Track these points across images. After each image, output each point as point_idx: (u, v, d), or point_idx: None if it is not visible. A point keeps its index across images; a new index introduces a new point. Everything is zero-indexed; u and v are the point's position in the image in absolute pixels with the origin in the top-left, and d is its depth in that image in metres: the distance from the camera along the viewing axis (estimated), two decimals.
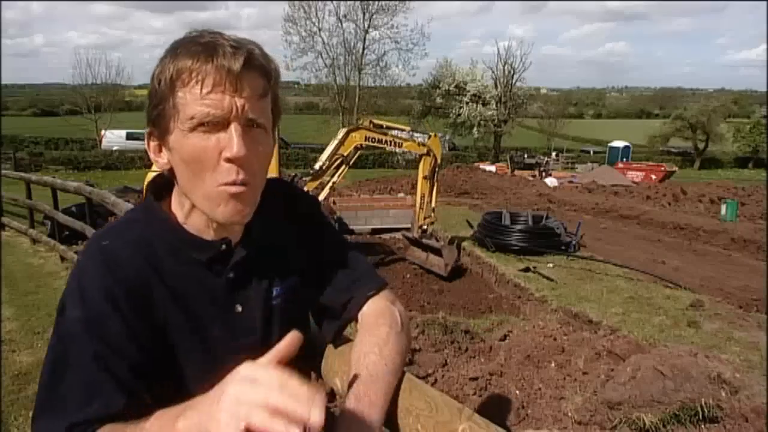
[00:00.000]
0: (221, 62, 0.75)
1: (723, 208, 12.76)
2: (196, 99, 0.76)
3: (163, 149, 0.82)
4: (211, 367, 0.79)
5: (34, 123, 50.67)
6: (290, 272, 0.95)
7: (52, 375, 0.76)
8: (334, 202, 11.86)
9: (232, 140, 0.76)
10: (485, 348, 4.23)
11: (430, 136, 7.84)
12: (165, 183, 0.88)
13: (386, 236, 10.99)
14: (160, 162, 0.83)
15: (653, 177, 26.12)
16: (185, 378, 0.83)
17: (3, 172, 10.28)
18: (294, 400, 0.58)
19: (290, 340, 0.67)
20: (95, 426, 0.73)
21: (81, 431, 0.72)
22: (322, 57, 35.55)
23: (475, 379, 3.60)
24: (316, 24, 34.79)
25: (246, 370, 0.62)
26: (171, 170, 0.83)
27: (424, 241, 8.15)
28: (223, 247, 0.86)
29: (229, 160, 0.77)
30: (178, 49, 0.78)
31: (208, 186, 0.78)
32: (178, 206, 0.87)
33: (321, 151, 7.80)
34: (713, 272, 8.09)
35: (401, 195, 13.90)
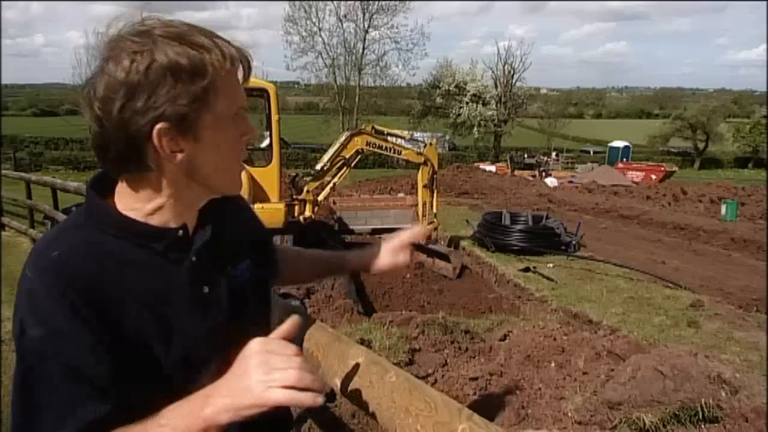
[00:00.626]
0: (246, 56, 0.82)
1: (723, 208, 12.77)
2: (236, 92, 0.83)
3: (182, 144, 0.79)
4: (191, 349, 0.83)
5: (34, 123, 50.69)
6: (244, 253, 0.99)
7: (25, 400, 0.74)
8: (334, 202, 11.85)
9: (248, 123, 0.86)
10: (485, 348, 4.22)
11: (426, 145, 7.97)
12: (107, 181, 0.86)
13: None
14: (178, 158, 0.80)
15: (653, 177, 26.12)
16: (168, 367, 0.82)
17: (3, 172, 10.27)
18: (307, 364, 0.73)
19: (291, 323, 0.79)
20: None
21: None
22: (322, 57, 35.59)
23: (475, 379, 3.60)
24: (316, 24, 34.83)
25: (259, 345, 0.74)
26: (182, 164, 0.81)
27: (430, 246, 8.32)
28: (180, 233, 0.87)
29: (246, 141, 0.86)
30: (201, 44, 0.77)
31: (235, 166, 0.87)
32: (141, 202, 0.84)
33: (321, 151, 7.97)
34: (713, 272, 8.09)
35: (401, 195, 13.90)
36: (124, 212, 0.83)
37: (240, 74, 0.82)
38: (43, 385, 0.73)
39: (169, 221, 0.86)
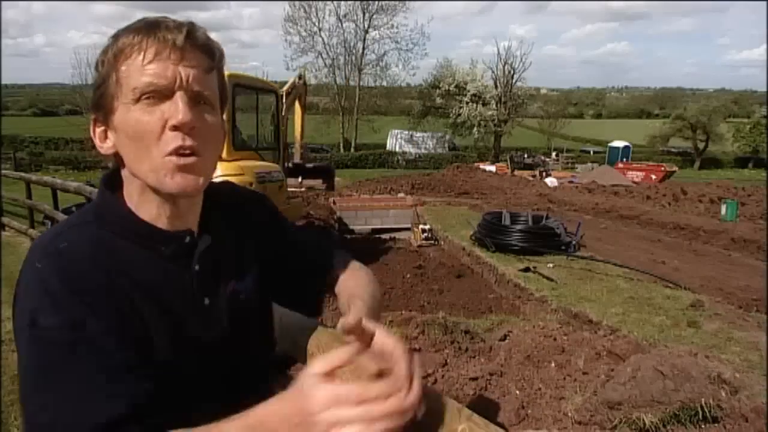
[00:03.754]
0: (163, 34, 0.75)
1: (723, 208, 12.75)
2: (138, 70, 0.75)
3: (109, 133, 0.80)
4: (184, 361, 0.78)
5: (34, 123, 50.68)
6: (251, 267, 0.95)
7: (49, 389, 0.68)
8: (334, 202, 11.84)
9: (177, 107, 0.75)
10: (485, 348, 4.22)
11: (304, 70, 9.47)
12: (117, 175, 0.85)
13: (386, 236, 10.99)
14: (105, 147, 0.81)
15: (653, 177, 26.10)
16: (161, 374, 0.77)
17: (3, 172, 10.28)
18: (382, 401, 0.61)
19: (349, 351, 0.66)
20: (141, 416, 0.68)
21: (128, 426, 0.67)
22: (322, 57, 35.68)
23: (475, 379, 3.60)
24: (317, 24, 34.94)
25: (322, 391, 0.60)
26: (117, 156, 0.81)
27: (307, 165, 9.63)
28: (188, 239, 0.85)
29: (175, 128, 0.75)
30: (119, 32, 0.79)
31: (155, 158, 0.76)
32: (128, 196, 0.83)
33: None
34: (713, 272, 8.08)
35: (401, 195, 13.91)
36: (128, 203, 0.82)
37: (143, 57, 0.75)
38: (70, 372, 0.68)
39: (154, 218, 0.82)
